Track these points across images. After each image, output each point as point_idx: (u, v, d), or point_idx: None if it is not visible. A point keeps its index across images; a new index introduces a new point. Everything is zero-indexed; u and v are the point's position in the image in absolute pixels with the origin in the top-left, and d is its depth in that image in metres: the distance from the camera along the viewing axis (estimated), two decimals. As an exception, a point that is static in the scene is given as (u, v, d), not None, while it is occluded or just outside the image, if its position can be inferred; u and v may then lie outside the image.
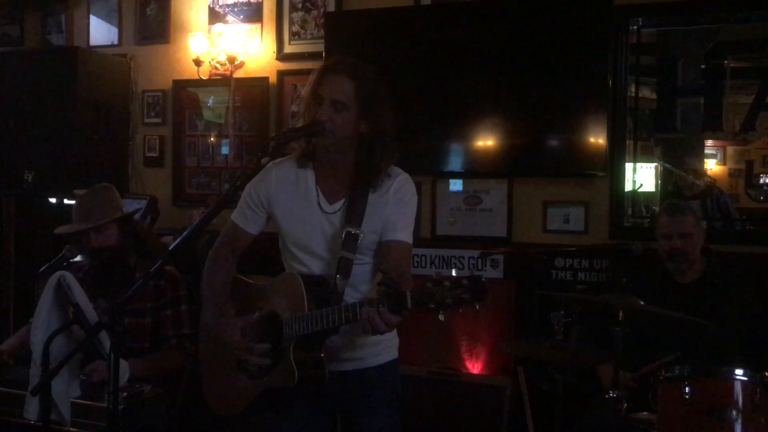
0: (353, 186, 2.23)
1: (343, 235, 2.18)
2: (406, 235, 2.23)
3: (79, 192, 3.12)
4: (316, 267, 2.25)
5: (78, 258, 3.15)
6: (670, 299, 2.94)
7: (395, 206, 2.23)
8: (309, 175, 2.27)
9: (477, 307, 1.78)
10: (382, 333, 1.92)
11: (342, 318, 2.01)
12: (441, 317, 1.79)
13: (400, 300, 1.82)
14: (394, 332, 2.37)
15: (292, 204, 2.26)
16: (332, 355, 2.19)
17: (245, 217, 2.33)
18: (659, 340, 2.95)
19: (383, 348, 2.33)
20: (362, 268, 2.23)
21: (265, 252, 2.41)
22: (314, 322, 2.06)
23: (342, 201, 2.24)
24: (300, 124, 2.24)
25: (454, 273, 1.81)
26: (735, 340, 3.02)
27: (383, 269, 2.02)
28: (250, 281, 2.39)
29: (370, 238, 2.21)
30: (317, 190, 2.26)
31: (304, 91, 2.24)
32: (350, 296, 2.18)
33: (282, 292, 2.21)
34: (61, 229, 3.11)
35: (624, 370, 2.92)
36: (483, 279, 1.78)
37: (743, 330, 3.05)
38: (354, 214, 2.20)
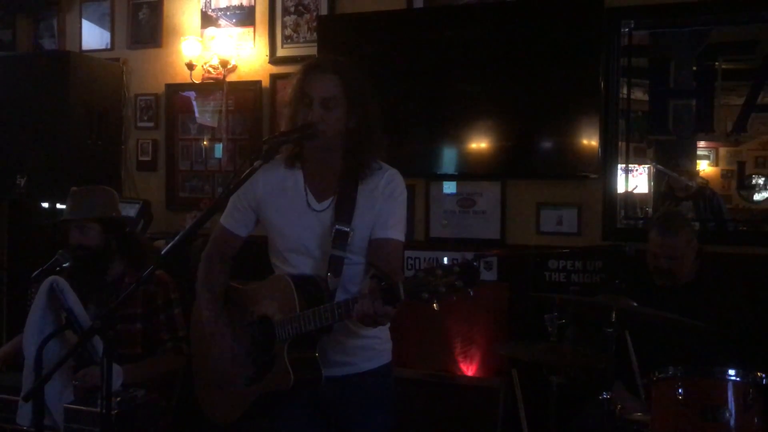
0: (342, 183, 2.22)
1: (333, 233, 2.17)
2: (396, 233, 2.22)
3: (75, 189, 3.09)
4: (306, 267, 2.23)
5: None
6: (663, 300, 2.95)
7: (385, 202, 2.22)
8: (297, 175, 2.26)
9: (471, 293, 1.77)
10: (375, 326, 1.91)
11: (335, 315, 2.00)
12: (436, 306, 1.78)
13: (393, 291, 1.82)
14: (388, 335, 2.36)
15: (280, 205, 2.26)
16: (325, 360, 2.17)
17: (234, 220, 2.33)
18: (653, 342, 2.96)
19: (377, 352, 2.32)
20: (354, 268, 2.21)
21: (256, 256, 2.40)
22: (307, 321, 2.06)
23: (331, 198, 2.22)
24: (285, 126, 2.23)
25: (446, 261, 1.81)
26: (728, 341, 3.02)
27: (373, 263, 2.01)
28: (240, 287, 2.38)
29: (360, 235, 2.19)
30: (305, 189, 2.25)
31: (289, 93, 2.23)
32: (342, 297, 2.15)
33: (272, 295, 2.20)
34: (45, 222, 3.06)
35: (628, 387, 2.93)
36: (474, 264, 1.78)
37: (736, 330, 3.05)
38: (344, 211, 2.19)
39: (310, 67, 2.20)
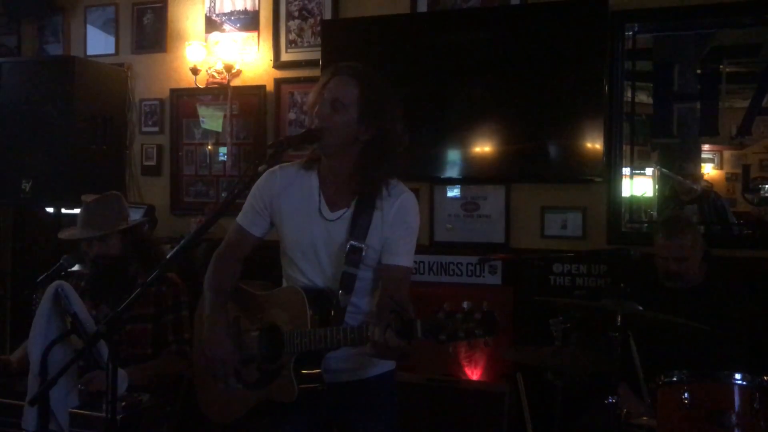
0: (358, 197, 2.20)
1: (348, 249, 2.16)
2: (406, 260, 2.22)
3: (87, 198, 3.10)
4: (314, 276, 2.24)
5: (76, 267, 3.15)
6: (673, 303, 2.94)
7: (396, 227, 2.20)
8: (313, 180, 2.25)
9: (490, 343, 1.79)
10: (387, 359, 1.91)
11: (347, 340, 2.01)
12: (451, 349, 1.81)
13: (411, 328, 1.82)
14: None
15: (294, 208, 2.25)
16: (329, 366, 2.18)
17: (250, 220, 2.31)
18: (659, 345, 2.95)
19: (380, 359, 2.32)
20: (363, 282, 2.22)
21: (267, 258, 2.41)
22: (317, 340, 2.06)
23: (344, 210, 2.21)
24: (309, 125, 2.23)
25: (465, 305, 1.80)
26: (736, 345, 3.01)
27: (386, 293, 2.02)
28: (253, 291, 2.38)
29: (372, 252, 2.19)
30: (320, 196, 2.23)
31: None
32: (350, 310, 2.18)
33: (284, 305, 2.20)
34: (64, 234, 3.10)
35: (633, 388, 2.92)
36: (495, 315, 1.78)
37: (744, 334, 3.05)
38: (358, 227, 2.17)
39: (335, 69, 2.20)
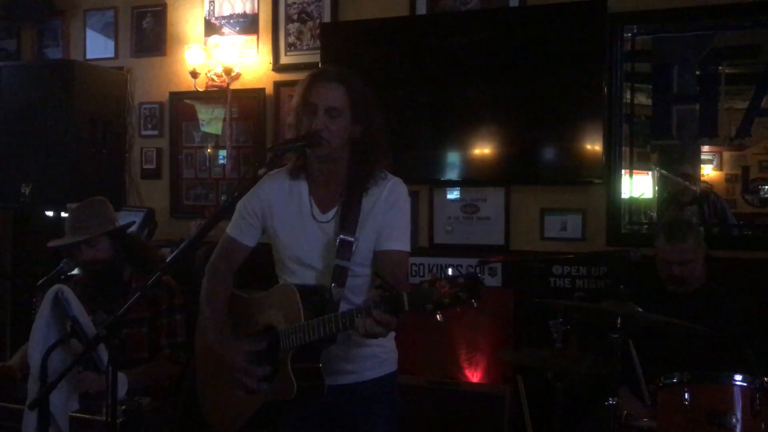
0: (346, 193, 2.22)
1: (338, 243, 2.17)
2: (401, 244, 2.22)
3: (72, 206, 3.12)
4: (310, 278, 2.24)
5: (75, 271, 3.15)
6: (675, 307, 2.93)
7: (388, 213, 2.21)
8: (302, 187, 2.27)
9: (475, 304, 1.76)
10: (377, 336, 1.91)
11: (339, 325, 1.99)
12: (439, 317, 1.78)
13: (397, 302, 1.82)
14: (393, 344, 2.36)
15: (286, 216, 2.26)
16: (330, 369, 2.17)
17: (240, 230, 2.32)
18: (660, 347, 2.95)
19: (381, 360, 2.32)
20: (358, 279, 2.22)
21: (261, 265, 2.40)
22: (311, 331, 2.05)
23: (335, 209, 2.23)
24: (291, 135, 2.24)
25: (450, 272, 1.80)
26: (737, 347, 3.01)
27: (379, 272, 2.01)
28: (245, 295, 2.37)
29: (364, 245, 2.19)
30: (310, 201, 2.26)
31: (294, 101, 2.24)
32: (345, 307, 2.16)
33: (277, 304, 2.20)
34: (53, 243, 3.11)
35: (634, 392, 2.92)
36: (478, 276, 1.78)
37: (744, 336, 3.04)
38: (348, 221, 2.19)
39: (315, 76, 2.21)
